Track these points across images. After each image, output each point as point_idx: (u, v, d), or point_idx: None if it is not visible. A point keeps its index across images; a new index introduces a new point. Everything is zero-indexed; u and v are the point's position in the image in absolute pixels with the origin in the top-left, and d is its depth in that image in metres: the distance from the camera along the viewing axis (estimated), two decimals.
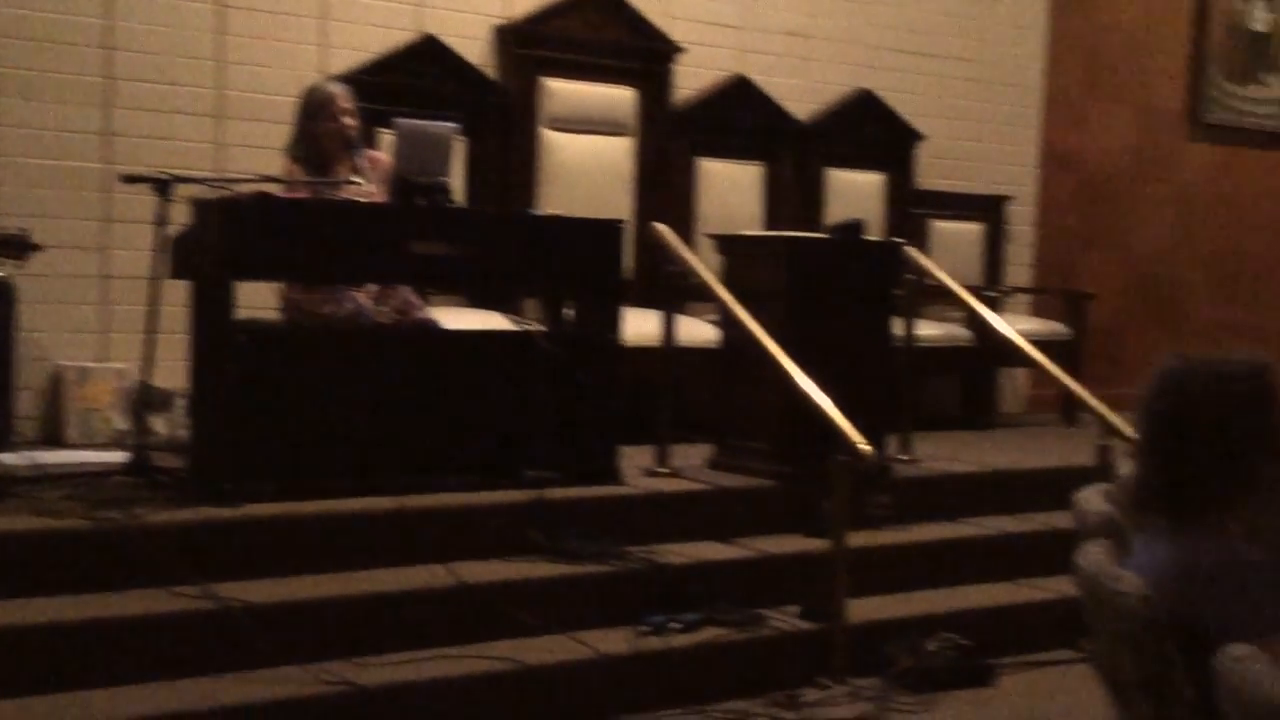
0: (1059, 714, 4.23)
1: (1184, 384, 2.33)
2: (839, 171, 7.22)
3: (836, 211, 6.87)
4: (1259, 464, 2.28)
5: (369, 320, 4.89)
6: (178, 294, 4.54)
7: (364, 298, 4.92)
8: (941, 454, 5.98)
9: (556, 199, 6.24)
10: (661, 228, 5.41)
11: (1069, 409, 7.18)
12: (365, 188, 4.91)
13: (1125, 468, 2.61)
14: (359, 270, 4.70)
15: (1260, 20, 9.05)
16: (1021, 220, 8.01)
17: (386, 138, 5.27)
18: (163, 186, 4.51)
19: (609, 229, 5.01)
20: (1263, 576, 2.18)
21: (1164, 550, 2.29)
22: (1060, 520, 3.82)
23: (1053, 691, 4.43)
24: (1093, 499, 2.81)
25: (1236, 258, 9.06)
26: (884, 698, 4.28)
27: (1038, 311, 7.86)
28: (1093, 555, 2.34)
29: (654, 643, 4.23)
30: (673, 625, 4.31)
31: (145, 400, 4.84)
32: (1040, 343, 6.70)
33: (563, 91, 6.41)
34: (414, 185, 4.70)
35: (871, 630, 4.57)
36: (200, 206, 4.44)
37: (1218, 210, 8.96)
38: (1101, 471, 4.69)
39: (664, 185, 6.67)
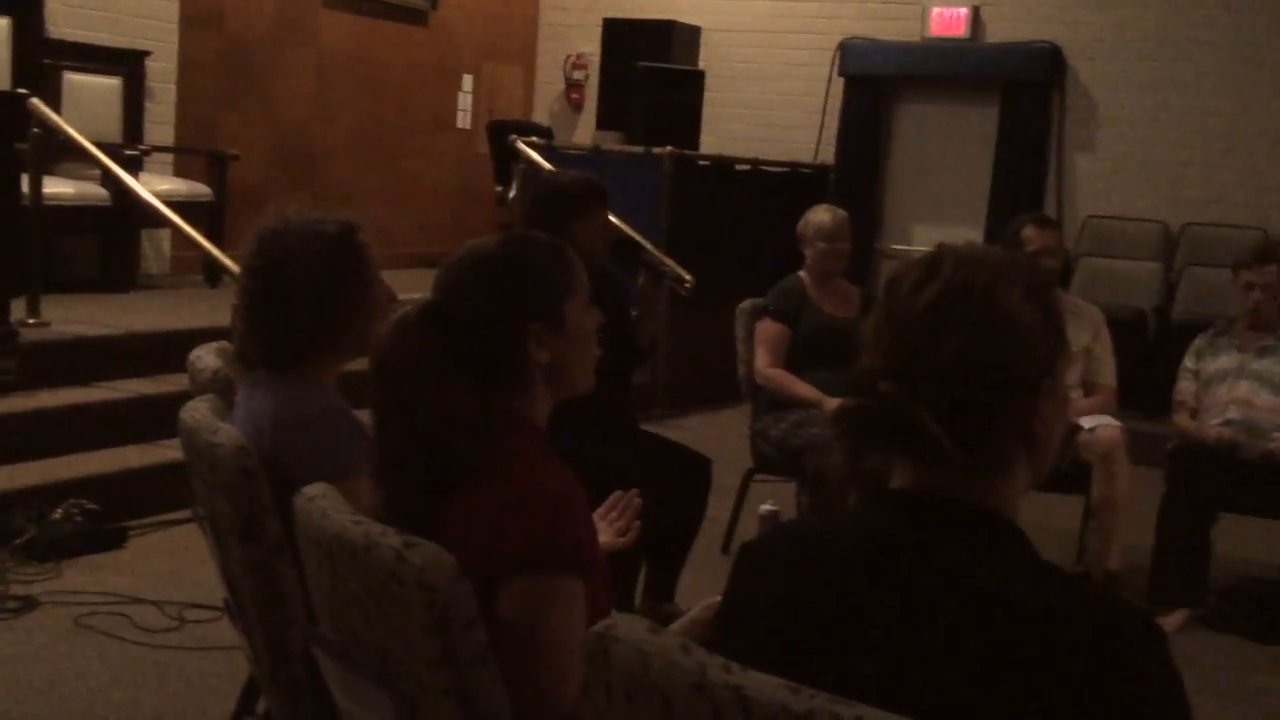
0: (186, 568, 4.31)
1: (280, 241, 2.43)
2: None
3: None
4: (349, 317, 2.44)
5: None
6: None
7: None
8: (75, 317, 5.77)
9: None
10: None
11: (212, 270, 7.19)
12: None
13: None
14: None
15: None
16: (162, 78, 7.82)
17: None
18: None
19: None
20: (343, 422, 2.35)
21: (262, 401, 2.40)
22: None
23: (183, 548, 4.49)
24: (205, 357, 2.87)
25: (372, 124, 9.51)
26: (3, 570, 4.11)
27: (180, 172, 7.76)
28: (195, 410, 2.39)
29: None
30: None
31: None
32: (182, 204, 6.68)
33: None
34: None
35: None
36: None
37: (355, 78, 9.32)
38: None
39: None
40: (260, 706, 2.93)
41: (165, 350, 5.55)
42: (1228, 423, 4.71)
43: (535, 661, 1.79)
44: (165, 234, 7.71)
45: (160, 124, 7.82)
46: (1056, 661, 1.24)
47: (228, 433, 2.26)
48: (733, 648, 1.39)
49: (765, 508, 4.75)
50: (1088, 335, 4.95)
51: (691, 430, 7.01)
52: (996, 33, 9.42)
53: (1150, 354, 7.39)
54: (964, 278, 1.35)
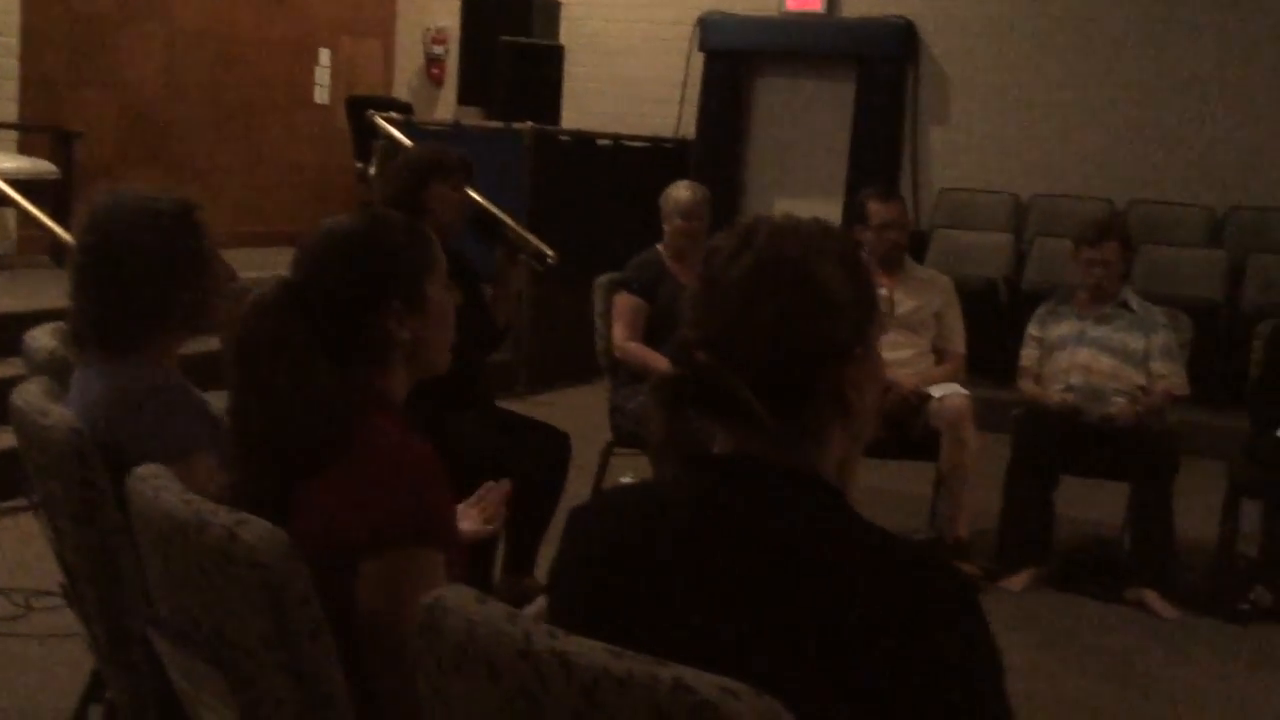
0: (31, 555, 4.19)
1: (112, 218, 2.39)
2: None
3: None
4: (184, 295, 2.40)
5: None
6: None
7: None
8: None
9: None
10: None
11: (59, 250, 6.99)
12: None
13: None
14: None
15: None
16: (4, 52, 7.58)
17: None
18: None
19: None
20: (181, 401, 2.32)
21: (96, 381, 2.36)
22: None
23: (28, 534, 4.34)
24: (40, 337, 2.80)
25: (226, 99, 9.32)
26: None
27: (25, 149, 7.54)
28: (26, 392, 2.34)
29: None
30: None
31: None
32: (26, 182, 6.50)
33: None
34: None
35: None
36: None
37: (208, 52, 9.13)
38: None
39: None
40: (109, 692, 2.88)
41: (9, 332, 5.38)
42: (1069, 388, 4.86)
43: (395, 635, 1.79)
44: (10, 213, 7.47)
45: (2, 100, 7.58)
46: (867, 621, 1.27)
47: (59, 414, 2.21)
48: (561, 611, 1.41)
49: (624, 480, 4.78)
50: (939, 304, 5.07)
51: (552, 405, 7.02)
52: (852, 8, 9.54)
53: (1001, 322, 7.56)
54: (777, 248, 1.38)
